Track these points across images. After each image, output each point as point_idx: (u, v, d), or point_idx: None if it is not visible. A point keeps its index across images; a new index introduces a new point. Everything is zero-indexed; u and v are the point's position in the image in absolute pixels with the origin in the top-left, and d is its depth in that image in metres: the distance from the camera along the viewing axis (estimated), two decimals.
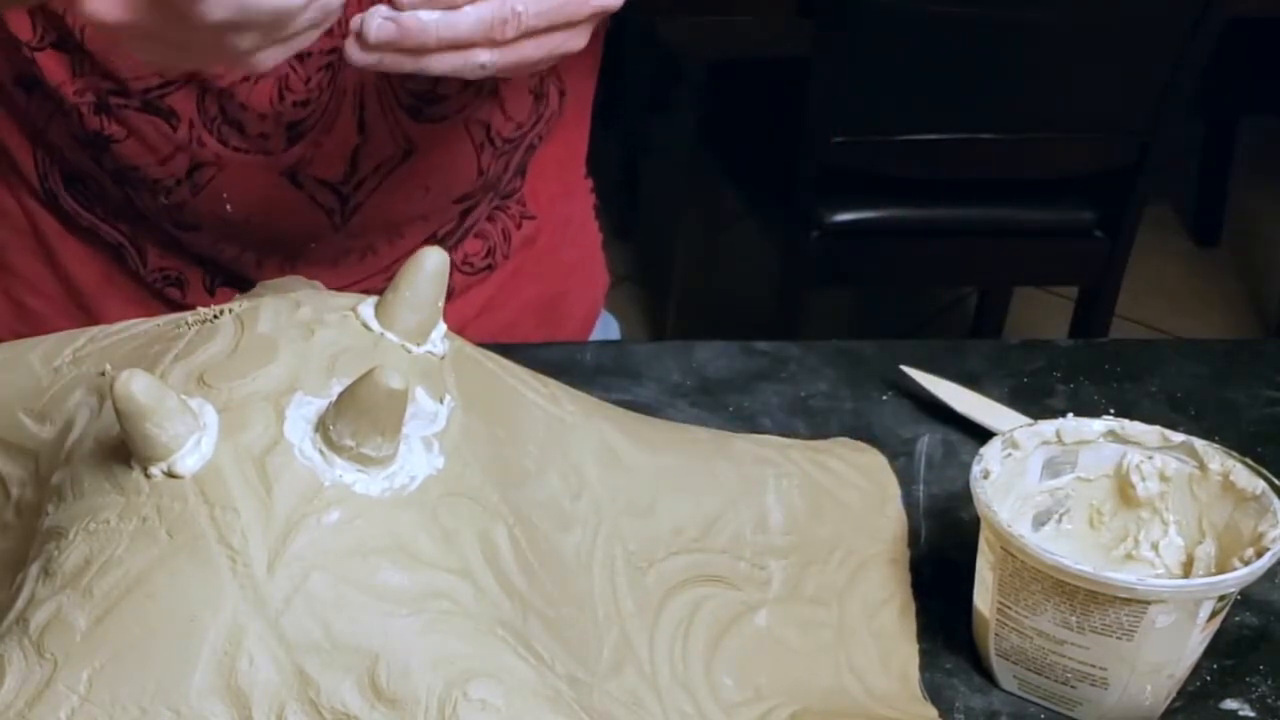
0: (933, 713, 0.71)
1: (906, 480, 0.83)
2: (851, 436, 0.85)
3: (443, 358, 0.65)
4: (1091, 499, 0.77)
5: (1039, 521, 0.76)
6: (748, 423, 0.89)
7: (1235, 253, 2.85)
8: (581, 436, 0.70)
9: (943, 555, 0.80)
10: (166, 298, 0.99)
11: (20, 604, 0.57)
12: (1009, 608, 0.70)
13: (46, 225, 0.99)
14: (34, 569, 0.58)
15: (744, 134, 2.13)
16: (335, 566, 0.56)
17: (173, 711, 0.54)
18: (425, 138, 0.91)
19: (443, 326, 0.65)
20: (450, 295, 1.02)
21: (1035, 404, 0.92)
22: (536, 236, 1.06)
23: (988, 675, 0.74)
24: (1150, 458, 0.75)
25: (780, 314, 1.96)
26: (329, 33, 0.87)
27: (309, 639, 0.55)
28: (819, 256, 1.90)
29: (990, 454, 0.74)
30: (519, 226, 1.04)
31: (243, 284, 0.97)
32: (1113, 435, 0.76)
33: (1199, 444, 0.74)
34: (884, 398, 0.92)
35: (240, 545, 0.56)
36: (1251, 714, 0.72)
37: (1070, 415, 0.76)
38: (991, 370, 0.95)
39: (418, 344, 0.64)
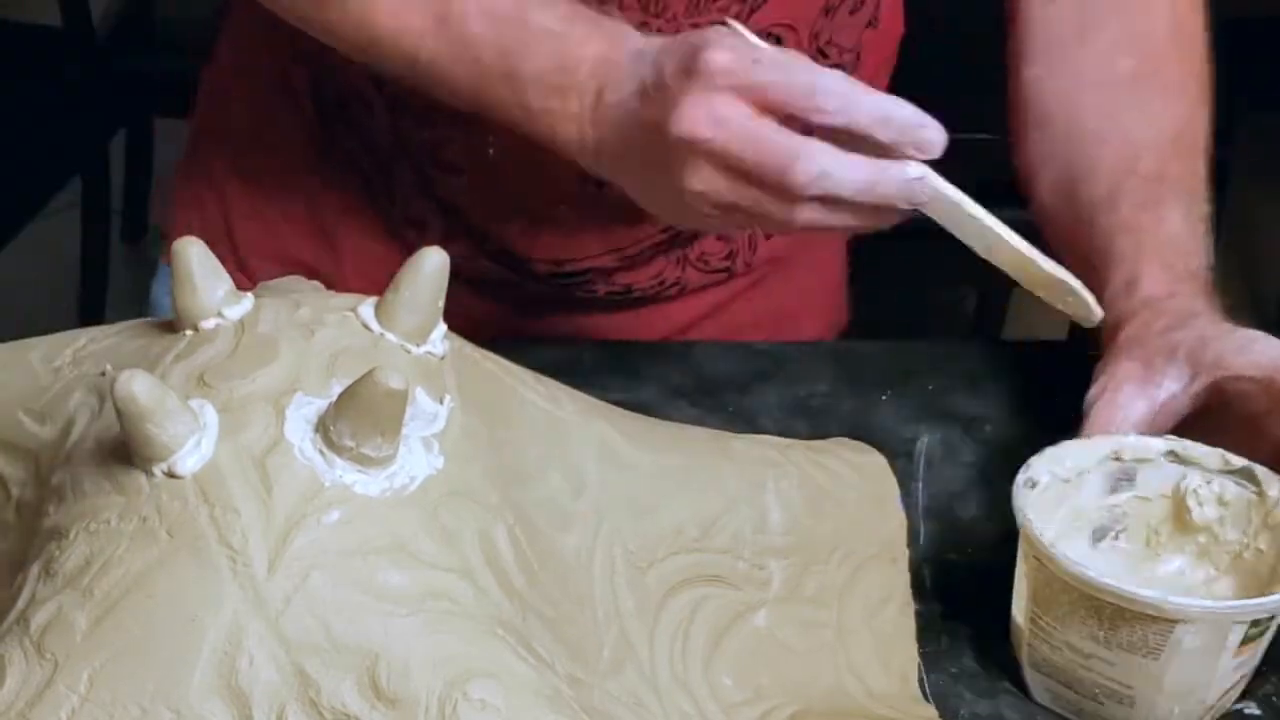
0: (932, 713, 0.71)
1: (906, 480, 0.83)
2: (851, 436, 0.85)
3: (442, 358, 0.65)
4: (1149, 519, 0.75)
5: (1096, 537, 0.75)
6: (748, 423, 0.89)
7: (1235, 253, 2.84)
8: (581, 436, 0.70)
9: (942, 556, 0.80)
10: (403, 238, 0.98)
11: (21, 604, 0.57)
12: (1040, 618, 0.70)
13: (304, 146, 0.99)
14: (34, 569, 0.58)
15: None
16: (335, 566, 0.56)
17: (173, 711, 0.54)
18: None
19: (443, 327, 0.65)
20: (682, 291, 1.02)
21: (1036, 404, 0.92)
22: (785, 255, 1.05)
23: (988, 677, 0.74)
24: (1209, 482, 0.73)
25: None
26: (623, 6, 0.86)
27: (309, 639, 0.55)
28: None
29: (1039, 464, 0.73)
30: (768, 236, 1.02)
31: (481, 238, 0.97)
32: (1173, 455, 0.74)
33: (1259, 470, 0.73)
34: (884, 398, 0.92)
35: (240, 545, 0.56)
36: (1259, 713, 0.72)
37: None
38: (991, 370, 0.95)
39: (417, 344, 0.64)
